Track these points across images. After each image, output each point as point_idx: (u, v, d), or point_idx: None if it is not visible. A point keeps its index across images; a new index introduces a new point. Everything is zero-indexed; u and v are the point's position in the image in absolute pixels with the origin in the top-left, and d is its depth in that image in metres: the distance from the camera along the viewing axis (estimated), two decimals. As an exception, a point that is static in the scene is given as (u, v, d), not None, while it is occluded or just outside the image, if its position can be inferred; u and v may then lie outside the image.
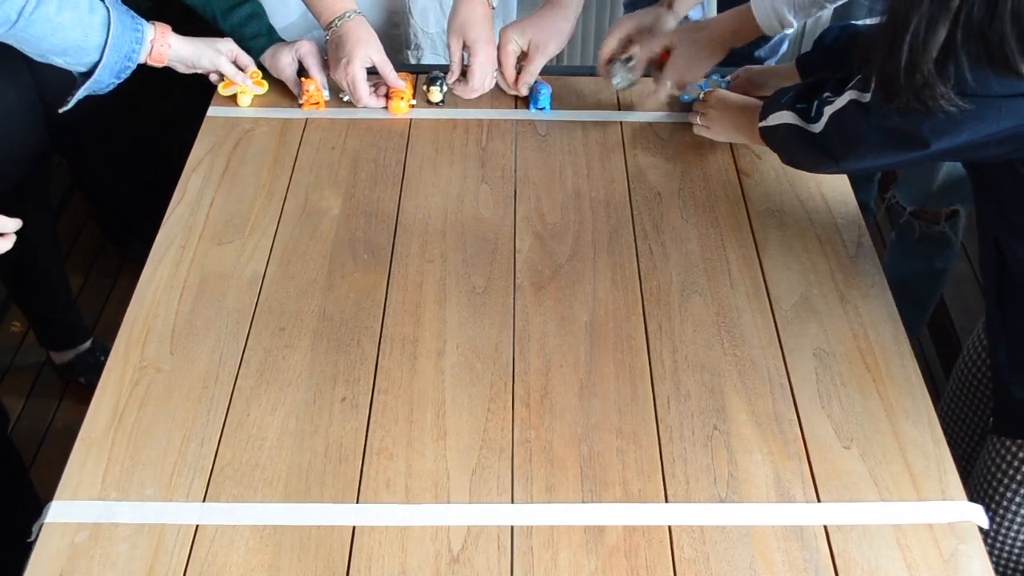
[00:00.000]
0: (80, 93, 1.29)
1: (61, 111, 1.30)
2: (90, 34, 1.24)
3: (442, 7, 1.63)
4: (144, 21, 1.31)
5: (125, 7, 1.30)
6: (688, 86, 1.46)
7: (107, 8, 1.25)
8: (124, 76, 1.31)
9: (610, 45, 1.45)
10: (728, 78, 1.47)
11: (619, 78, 1.45)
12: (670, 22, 1.43)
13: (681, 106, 1.47)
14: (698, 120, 1.39)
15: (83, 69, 1.27)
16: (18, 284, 1.96)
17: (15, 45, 1.22)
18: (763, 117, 1.21)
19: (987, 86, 0.88)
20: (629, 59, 1.44)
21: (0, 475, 1.63)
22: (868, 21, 1.30)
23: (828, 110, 1.08)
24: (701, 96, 1.41)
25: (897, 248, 2.01)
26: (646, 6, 2.17)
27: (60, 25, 1.20)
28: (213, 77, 1.46)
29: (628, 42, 1.45)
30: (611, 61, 1.46)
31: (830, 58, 1.29)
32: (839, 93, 1.07)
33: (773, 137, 1.21)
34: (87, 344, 2.10)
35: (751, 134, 1.28)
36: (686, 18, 1.48)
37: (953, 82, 0.88)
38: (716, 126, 1.37)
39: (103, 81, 1.29)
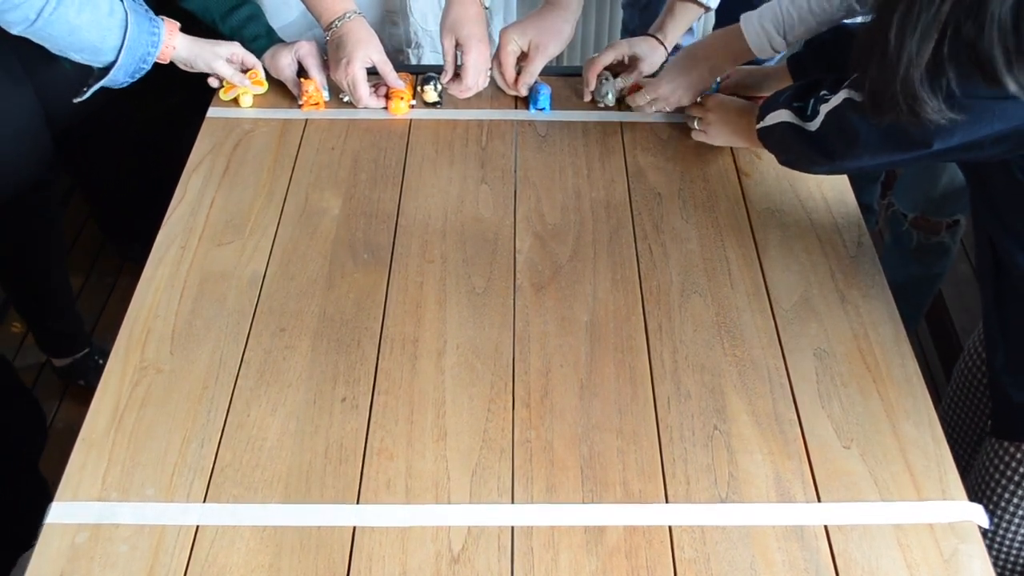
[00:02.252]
0: (95, 86, 1.31)
1: (76, 100, 1.32)
2: (107, 36, 1.25)
3: (440, 7, 1.63)
4: (161, 23, 1.32)
5: (144, 8, 1.31)
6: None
7: (126, 10, 1.26)
8: (138, 76, 1.33)
9: (600, 64, 1.45)
10: (719, 79, 1.46)
11: (608, 94, 1.45)
12: (659, 56, 1.44)
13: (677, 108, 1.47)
14: (696, 125, 1.39)
15: (99, 66, 1.30)
16: (20, 292, 1.95)
17: (33, 40, 1.24)
18: (761, 118, 1.21)
19: (976, 94, 0.89)
20: (616, 74, 1.45)
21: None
22: (859, 20, 1.28)
23: (824, 108, 1.08)
24: (699, 100, 1.41)
25: (893, 254, 1.98)
26: (642, 7, 2.16)
27: (78, 27, 1.22)
28: (212, 81, 1.46)
29: (619, 65, 1.46)
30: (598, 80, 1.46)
31: (821, 58, 1.29)
32: (835, 91, 1.07)
33: (770, 137, 1.21)
34: (85, 350, 2.10)
35: (749, 137, 1.27)
36: (677, 46, 1.48)
37: (944, 94, 0.88)
38: (714, 130, 1.37)
39: (117, 80, 1.32)
